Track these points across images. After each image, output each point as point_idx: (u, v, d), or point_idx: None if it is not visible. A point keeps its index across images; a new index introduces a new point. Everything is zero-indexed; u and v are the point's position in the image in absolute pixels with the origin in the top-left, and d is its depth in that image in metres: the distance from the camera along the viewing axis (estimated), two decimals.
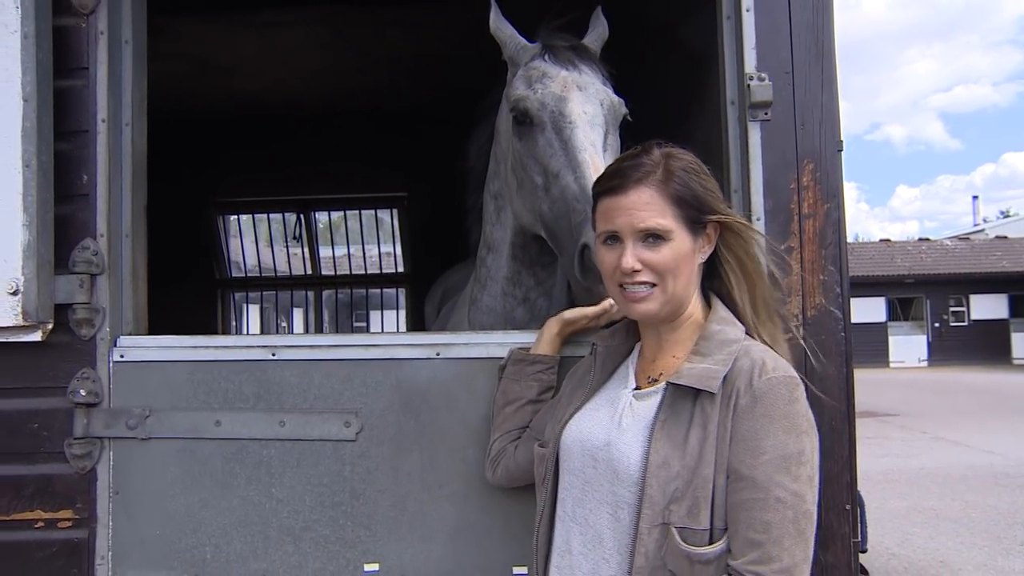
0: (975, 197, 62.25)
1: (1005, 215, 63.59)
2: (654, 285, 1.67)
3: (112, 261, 2.37)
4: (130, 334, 2.39)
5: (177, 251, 7.06)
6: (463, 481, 2.27)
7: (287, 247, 8.42)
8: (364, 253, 8.47)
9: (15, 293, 2.20)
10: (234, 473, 2.30)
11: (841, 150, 2.26)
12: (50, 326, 2.29)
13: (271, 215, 8.19)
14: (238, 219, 8.25)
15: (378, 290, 8.85)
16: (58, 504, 2.31)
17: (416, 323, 7.29)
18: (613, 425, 1.70)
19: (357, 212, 8.27)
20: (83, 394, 2.29)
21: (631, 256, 1.65)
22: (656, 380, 1.73)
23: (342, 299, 8.80)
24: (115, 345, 2.35)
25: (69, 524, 2.31)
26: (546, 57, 2.48)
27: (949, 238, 40.51)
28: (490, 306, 2.83)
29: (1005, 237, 38.20)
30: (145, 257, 2.51)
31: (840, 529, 2.21)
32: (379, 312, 10.02)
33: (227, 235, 8.04)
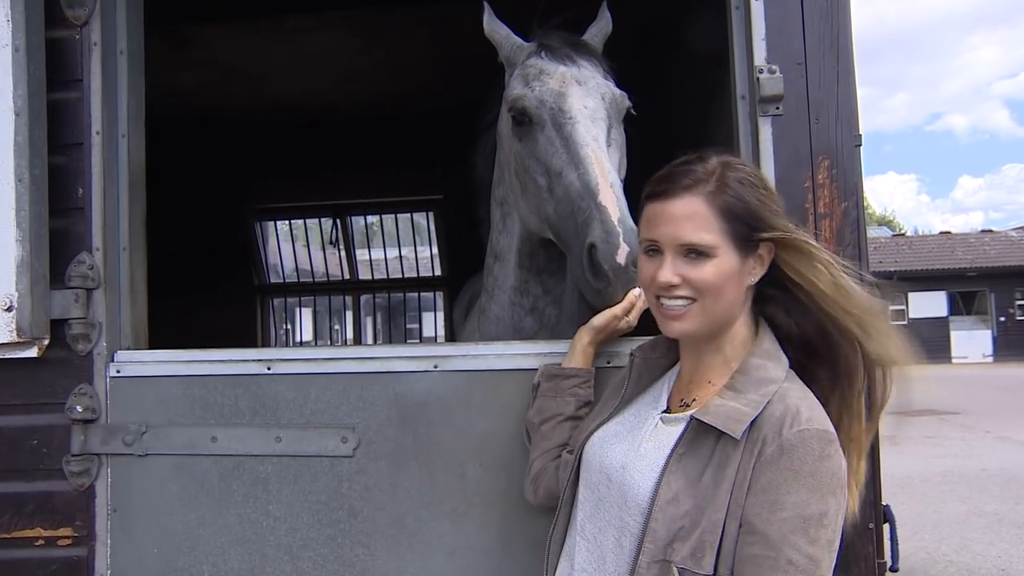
0: None
1: None
2: (693, 300, 1.54)
3: (109, 275, 2.34)
4: (129, 348, 2.36)
5: (216, 258, 7.15)
6: (462, 498, 2.19)
7: (324, 252, 8.45)
8: (401, 256, 8.45)
9: (9, 309, 2.18)
10: (231, 490, 2.25)
11: (859, 145, 2.11)
12: (46, 342, 2.27)
13: (307, 220, 8.23)
14: (275, 225, 8.31)
15: (415, 294, 8.81)
16: (58, 521, 2.29)
17: (452, 327, 7.25)
18: (633, 447, 1.61)
19: (393, 216, 8.26)
20: (80, 410, 2.26)
21: (669, 270, 1.54)
22: (687, 406, 1.62)
23: (383, 303, 8.80)
24: (112, 360, 2.32)
25: (69, 542, 2.28)
26: (543, 54, 2.39)
27: (1014, 229, 39.10)
28: (498, 316, 2.75)
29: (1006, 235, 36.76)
30: (144, 270, 2.48)
31: (863, 550, 2.07)
32: (429, 314, 10.00)
33: (265, 241, 8.10)
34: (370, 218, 8.62)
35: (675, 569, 1.41)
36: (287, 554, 2.22)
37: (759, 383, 1.51)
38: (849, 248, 2.07)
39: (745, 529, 1.40)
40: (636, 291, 2.04)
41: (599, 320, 2.08)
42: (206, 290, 6.82)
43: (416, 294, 8.70)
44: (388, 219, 8.27)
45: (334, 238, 7.86)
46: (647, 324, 2.14)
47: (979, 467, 10.75)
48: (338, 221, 7.92)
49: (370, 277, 8.46)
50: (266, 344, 7.70)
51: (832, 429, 1.44)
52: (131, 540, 2.28)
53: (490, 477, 2.18)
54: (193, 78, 5.83)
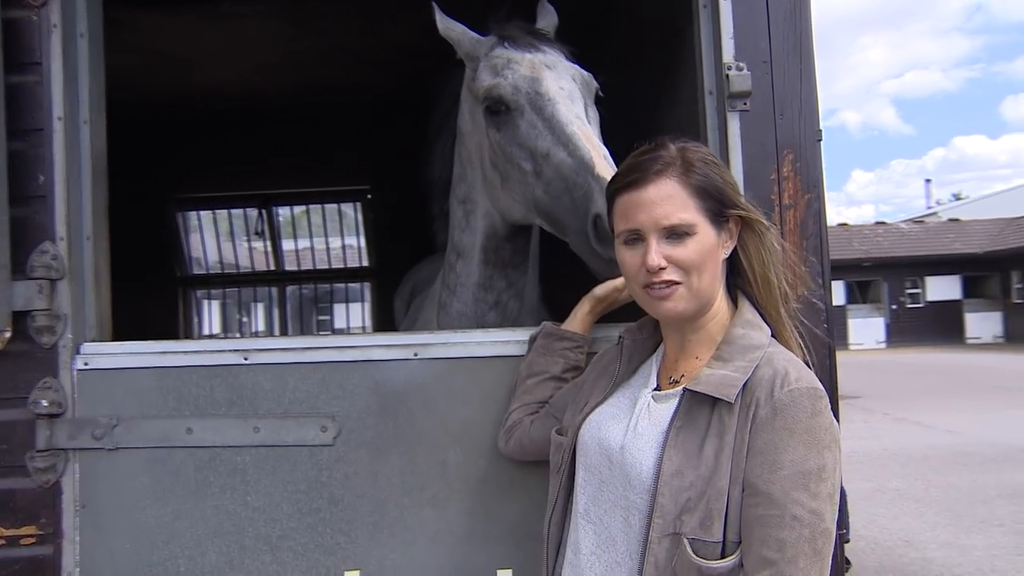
0: (928, 181, 63.56)
1: (957, 198, 64.97)
2: (680, 282, 1.61)
3: (73, 265, 2.27)
4: (94, 340, 2.30)
5: (136, 250, 6.91)
6: (443, 484, 2.22)
7: (249, 243, 8.27)
8: (328, 247, 8.35)
9: None
10: (207, 482, 2.23)
11: (820, 140, 2.24)
12: (8, 334, 2.19)
13: (232, 210, 8.04)
14: (198, 215, 8.08)
15: (343, 285, 8.72)
16: (20, 520, 2.21)
17: (383, 318, 7.22)
18: (630, 427, 1.66)
19: (320, 206, 8.15)
20: (45, 404, 2.19)
21: (655, 254, 1.59)
22: (677, 382, 1.68)
23: (306, 295, 8.68)
24: (78, 353, 2.26)
25: (33, 540, 2.21)
26: (506, 44, 2.42)
27: (904, 221, 41.31)
28: (461, 312, 2.79)
29: (957, 220, 39.06)
30: (108, 260, 2.42)
31: None
32: (343, 306, 9.92)
33: (187, 232, 7.87)
34: (296, 209, 8.46)
35: (686, 540, 1.48)
36: (266, 544, 2.22)
37: (744, 350, 1.58)
38: (812, 238, 2.20)
39: (748, 492, 1.46)
40: None
41: (601, 290, 2.16)
42: (128, 282, 6.59)
43: (344, 285, 8.60)
44: (315, 209, 8.14)
45: (260, 228, 7.70)
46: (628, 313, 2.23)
47: (880, 447, 11.37)
48: (264, 211, 7.76)
49: (296, 268, 8.32)
50: (188, 338, 7.50)
51: (821, 386, 1.51)
52: (101, 536, 2.23)
53: (471, 464, 2.22)
54: (118, 62, 5.60)
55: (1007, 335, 34.32)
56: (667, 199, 1.59)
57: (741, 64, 2.24)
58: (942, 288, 35.26)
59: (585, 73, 2.44)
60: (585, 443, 1.74)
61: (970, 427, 12.86)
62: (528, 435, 2.06)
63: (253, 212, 7.86)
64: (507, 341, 2.25)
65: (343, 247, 8.48)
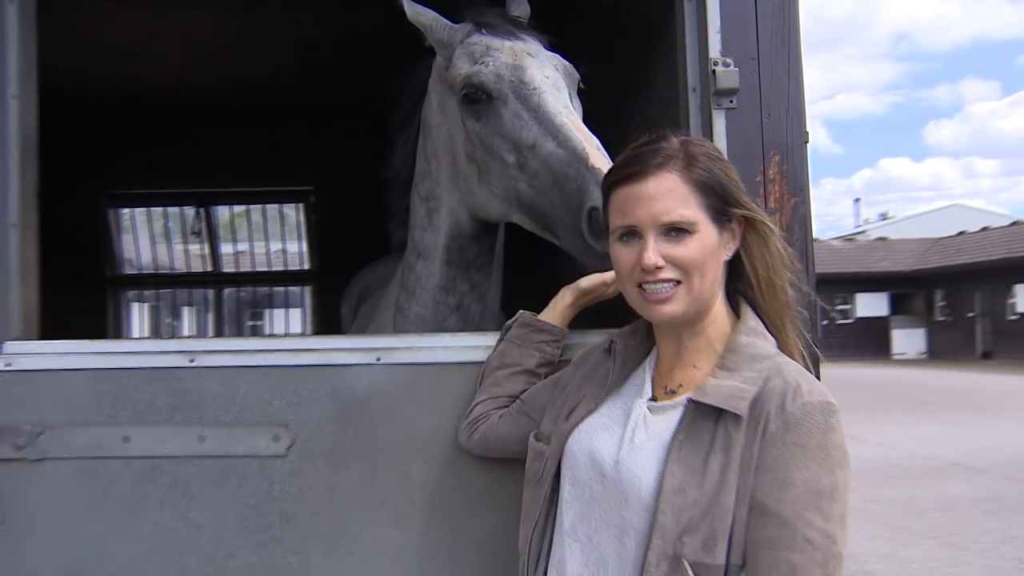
0: (856, 200, 65.72)
1: (883, 217, 67.13)
2: (678, 283, 1.51)
3: None
4: (18, 339, 2.08)
5: (62, 246, 6.54)
6: (406, 499, 2.06)
7: (185, 243, 7.94)
8: (268, 250, 8.07)
9: None
10: (145, 496, 2.02)
11: (807, 141, 2.16)
12: None
13: (168, 209, 7.70)
14: (132, 213, 7.72)
15: (282, 289, 8.44)
16: None
17: (324, 323, 6.98)
18: (625, 440, 1.54)
19: (260, 207, 7.87)
20: None
21: (652, 252, 1.49)
22: (674, 392, 1.57)
23: (240, 298, 8.38)
24: (0, 352, 2.03)
25: None
26: (483, 31, 2.30)
27: (835, 239, 42.44)
28: (420, 315, 2.64)
29: (885, 238, 40.34)
30: (36, 251, 2.20)
31: None
32: (281, 311, 9.64)
33: (119, 230, 7.50)
34: (236, 209, 8.16)
35: (686, 563, 1.36)
36: (210, 565, 2.02)
37: (751, 359, 1.49)
38: (797, 244, 2.11)
39: (756, 511, 1.36)
40: None
41: (587, 282, 2.04)
42: (52, 281, 6.24)
43: (283, 289, 8.33)
44: (255, 210, 7.86)
45: (196, 228, 7.39)
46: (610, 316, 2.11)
47: None
48: (201, 211, 7.45)
49: (234, 270, 8.02)
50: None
51: (833, 400, 1.43)
52: (21, 556, 2.00)
53: (436, 476, 2.07)
54: (49, 48, 5.28)
55: (930, 351, 35.53)
56: (667, 194, 1.49)
57: (728, 60, 2.15)
58: (871, 305, 36.33)
59: (567, 63, 2.33)
60: (573, 455, 1.62)
61: (902, 441, 13.17)
62: (495, 431, 1.94)
63: (190, 211, 7.54)
64: (476, 346, 2.11)
65: (283, 250, 8.21)
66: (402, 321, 2.71)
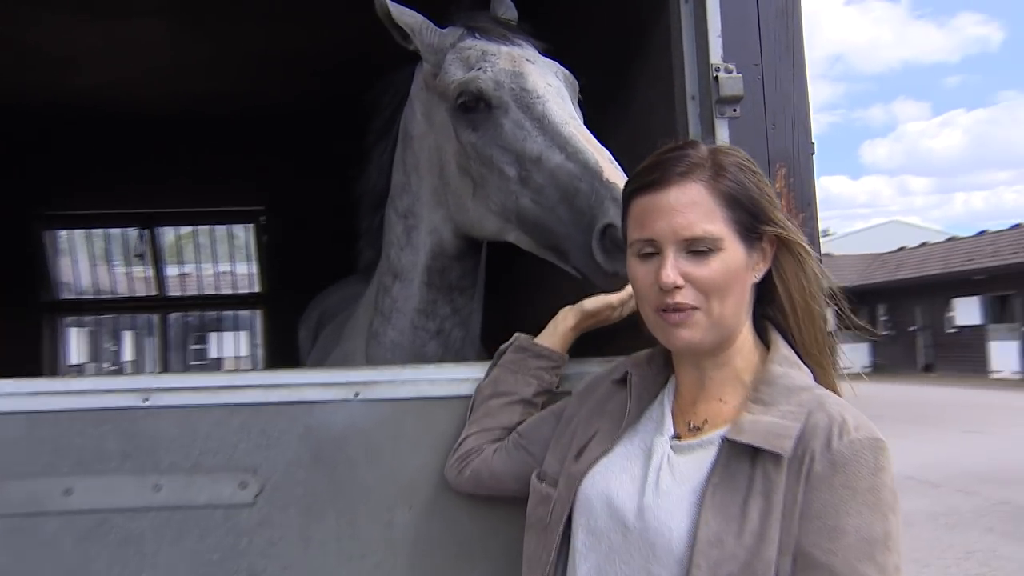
0: None
1: (825, 234, 68.43)
2: (696, 308, 1.36)
3: None
4: None
5: None
6: (389, 550, 1.86)
7: (128, 266, 7.57)
8: (216, 272, 7.74)
9: None
10: (90, 556, 1.78)
11: (814, 153, 2.03)
12: None
13: (110, 230, 7.34)
14: (70, 235, 7.33)
15: (231, 313, 8.11)
16: None
17: (277, 348, 6.70)
18: (649, 484, 1.38)
19: (208, 228, 7.56)
20: None
21: (672, 269, 1.34)
22: (699, 429, 1.42)
23: (184, 323, 8.03)
24: None
25: None
26: (476, 35, 2.14)
27: None
28: (396, 341, 2.45)
29: (830, 254, 41.18)
30: None
31: None
32: (228, 334, 9.29)
33: (57, 252, 7.11)
34: (182, 230, 7.82)
35: None
36: None
37: (788, 392, 1.34)
38: None
39: (802, 563, 1.22)
40: None
41: (591, 304, 1.88)
42: None
43: (232, 313, 8.00)
44: (203, 231, 7.54)
45: (140, 251, 7.04)
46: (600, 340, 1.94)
47: None
48: (145, 232, 7.11)
49: (181, 293, 7.67)
50: (54, 371, 6.74)
51: (882, 437, 1.29)
52: None
53: (422, 523, 1.87)
54: None
55: (874, 365, 36.21)
56: (691, 206, 1.35)
57: (731, 66, 2.01)
58: None
59: (567, 71, 2.17)
60: (588, 500, 1.45)
61: None
62: (489, 467, 1.75)
63: (133, 233, 7.19)
64: (464, 379, 1.92)
65: (232, 272, 7.89)
66: (376, 347, 2.51)
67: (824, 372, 1.44)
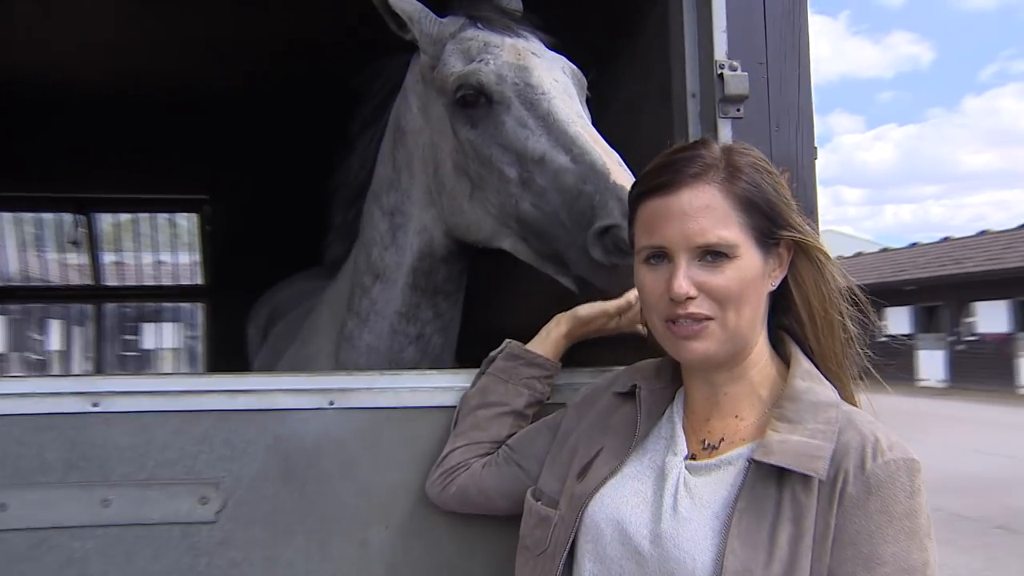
0: None
1: None
2: (710, 319, 1.26)
3: None
4: None
5: None
6: (364, 572, 1.71)
7: (62, 253, 7.19)
8: (156, 262, 7.42)
9: None
10: None
11: (816, 158, 1.95)
12: None
13: (42, 215, 6.95)
14: None
15: (172, 304, 7.79)
16: None
17: (218, 344, 6.43)
18: (666, 509, 1.27)
19: (150, 215, 7.23)
20: None
21: (684, 279, 1.25)
22: (715, 448, 1.32)
23: (114, 314, 7.68)
24: None
25: None
26: (479, 25, 2.01)
27: None
28: (372, 345, 2.30)
29: None
30: None
31: None
32: (164, 325, 8.94)
33: None
34: (122, 217, 7.47)
35: None
36: None
37: (815, 408, 1.25)
38: None
39: None
40: (634, 292, 1.72)
41: (586, 310, 1.76)
42: None
43: (173, 305, 7.68)
44: (144, 219, 7.21)
45: (75, 237, 6.68)
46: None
47: None
48: (81, 218, 6.75)
49: (118, 283, 7.32)
50: None
51: (916, 456, 1.21)
52: None
53: (399, 544, 1.73)
54: None
55: None
56: (704, 210, 1.25)
57: (735, 63, 1.91)
58: None
59: (574, 67, 2.05)
60: (596, 525, 1.34)
61: None
62: (477, 483, 1.62)
63: (68, 218, 6.82)
64: (447, 388, 1.78)
65: (174, 263, 7.56)
66: (349, 351, 2.35)
67: (843, 386, 1.36)
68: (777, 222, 1.30)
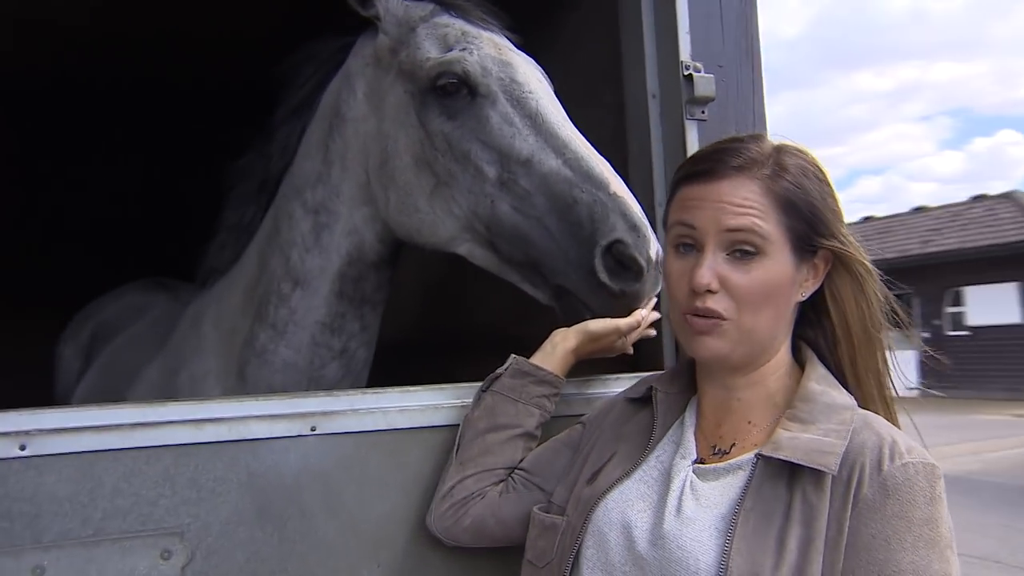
0: None
1: None
2: (725, 319, 1.21)
3: None
4: None
5: None
6: None
7: None
8: None
9: None
10: None
11: None
12: None
13: None
14: None
15: None
16: None
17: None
18: (669, 511, 1.20)
19: None
20: None
21: (708, 269, 1.20)
22: (726, 453, 1.26)
23: None
24: None
25: None
26: (452, 13, 1.86)
27: None
28: (290, 361, 2.06)
29: None
30: None
31: None
32: None
33: None
34: None
35: None
36: None
37: (830, 410, 1.20)
38: None
39: None
40: (642, 312, 1.66)
41: (597, 326, 1.64)
42: None
43: None
44: None
45: None
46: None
47: None
48: None
49: None
50: None
51: (936, 462, 1.14)
52: None
53: None
54: None
55: None
56: (741, 202, 1.21)
57: (699, 65, 1.91)
58: None
59: (543, 71, 1.94)
60: (600, 532, 1.26)
61: None
62: (497, 512, 1.48)
63: None
64: (437, 406, 1.62)
65: None
66: (260, 367, 2.08)
67: (885, 408, 1.29)
68: (818, 229, 1.24)
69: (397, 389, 1.61)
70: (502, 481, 1.51)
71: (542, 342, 1.65)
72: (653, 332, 1.75)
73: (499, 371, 1.60)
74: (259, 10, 3.25)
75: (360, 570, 1.51)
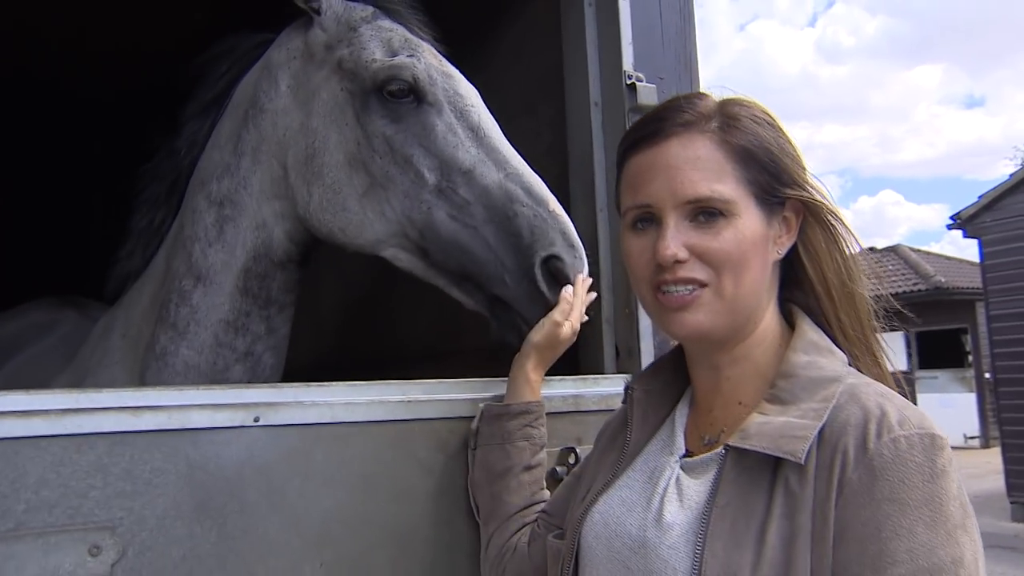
0: None
1: None
2: (704, 285, 1.13)
3: None
4: None
5: None
6: None
7: None
8: None
9: None
10: None
11: None
12: None
13: None
14: None
15: None
16: None
17: None
18: (651, 517, 1.13)
19: None
20: None
21: (672, 240, 1.11)
22: (715, 441, 1.17)
23: None
24: None
25: None
26: (391, 18, 1.89)
27: None
28: (191, 362, 1.98)
29: None
30: None
31: None
32: None
33: None
34: None
35: None
36: None
37: (814, 385, 1.09)
38: None
39: None
40: (568, 289, 1.64)
41: (538, 334, 1.62)
42: None
43: None
44: None
45: None
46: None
47: None
48: None
49: None
50: None
51: (939, 431, 1.01)
52: None
53: None
54: None
55: None
56: (694, 162, 1.13)
57: (640, 75, 1.96)
58: None
59: None
60: (589, 546, 1.22)
61: None
62: (529, 562, 1.44)
63: None
64: (385, 401, 1.58)
65: None
66: (160, 370, 1.99)
67: (876, 365, 1.20)
68: (781, 178, 1.15)
69: (344, 383, 1.56)
70: (525, 525, 1.50)
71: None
72: (586, 317, 1.71)
73: (474, 425, 1.59)
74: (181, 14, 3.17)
75: (303, 568, 1.45)
